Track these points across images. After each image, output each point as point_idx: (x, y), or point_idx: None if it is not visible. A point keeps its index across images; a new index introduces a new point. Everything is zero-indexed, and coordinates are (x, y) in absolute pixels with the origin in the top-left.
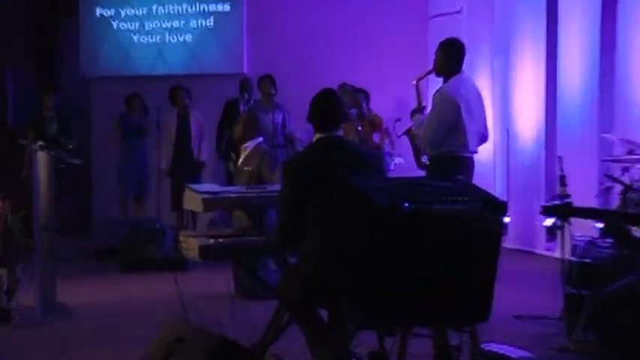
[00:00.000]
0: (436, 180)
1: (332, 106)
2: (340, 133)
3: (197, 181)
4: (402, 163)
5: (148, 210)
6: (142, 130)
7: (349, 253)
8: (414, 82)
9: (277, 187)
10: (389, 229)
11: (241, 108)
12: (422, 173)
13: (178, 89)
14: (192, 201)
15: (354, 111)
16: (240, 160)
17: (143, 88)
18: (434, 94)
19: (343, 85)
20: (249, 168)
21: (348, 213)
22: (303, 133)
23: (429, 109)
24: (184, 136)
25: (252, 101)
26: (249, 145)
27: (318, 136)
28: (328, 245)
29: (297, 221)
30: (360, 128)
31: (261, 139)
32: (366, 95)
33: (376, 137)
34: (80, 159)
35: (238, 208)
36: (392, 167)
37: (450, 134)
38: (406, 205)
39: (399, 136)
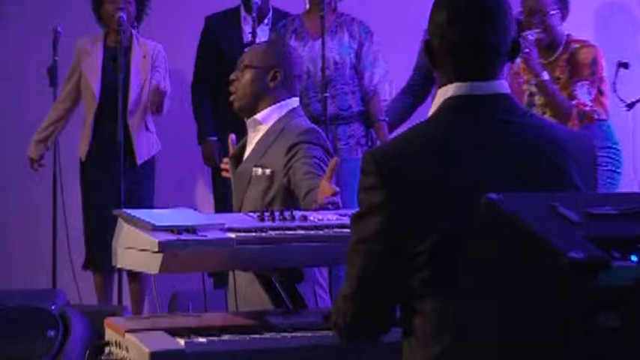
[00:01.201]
0: None
1: (485, 24)
2: (503, 86)
3: (145, 201)
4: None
5: (23, 272)
6: None
7: None
8: None
9: (337, 217)
10: (590, 313)
11: (245, 31)
12: None
13: None
14: (132, 249)
15: (531, 35)
16: (247, 153)
17: None
18: None
19: None
20: (266, 172)
21: (500, 276)
22: (384, 88)
23: None
24: (117, 98)
25: (269, 13)
26: (263, 117)
27: (447, 91)
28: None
29: (395, 289)
30: (544, 74)
31: (295, 100)
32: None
33: (582, 92)
34: None
35: (241, 266)
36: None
37: None
38: (632, 260)
39: (629, 106)
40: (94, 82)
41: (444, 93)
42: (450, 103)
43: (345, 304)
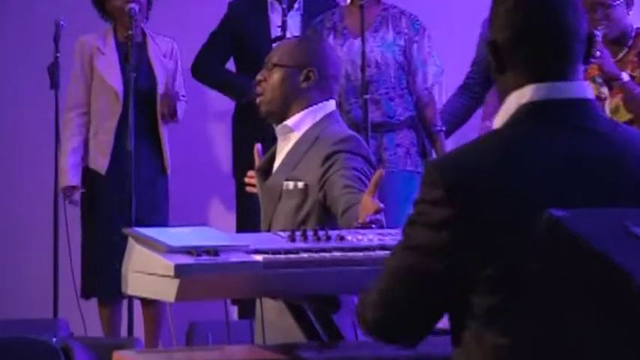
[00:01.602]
0: None
1: (558, 2)
2: (584, 89)
3: (161, 218)
4: None
5: (21, 300)
6: None
7: None
8: None
9: (379, 237)
10: None
11: (273, 21)
12: None
13: None
14: (144, 274)
15: (597, 34)
16: (277, 164)
17: None
18: None
19: None
20: (299, 185)
21: (563, 303)
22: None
23: None
24: (140, 100)
25: (300, 4)
26: (294, 124)
27: (523, 95)
28: None
29: (426, 307)
30: (624, 75)
31: (331, 104)
32: None
33: None
34: None
35: (269, 293)
36: None
37: None
38: None
39: None
40: (115, 83)
41: (519, 98)
42: (526, 110)
43: (369, 299)
